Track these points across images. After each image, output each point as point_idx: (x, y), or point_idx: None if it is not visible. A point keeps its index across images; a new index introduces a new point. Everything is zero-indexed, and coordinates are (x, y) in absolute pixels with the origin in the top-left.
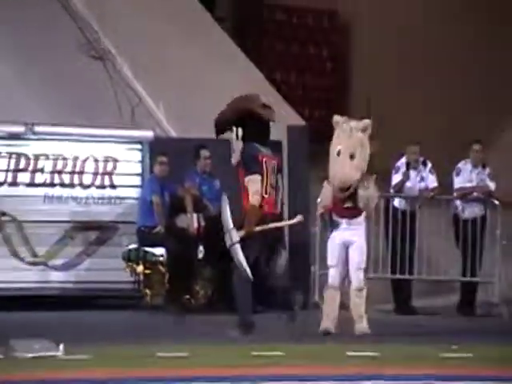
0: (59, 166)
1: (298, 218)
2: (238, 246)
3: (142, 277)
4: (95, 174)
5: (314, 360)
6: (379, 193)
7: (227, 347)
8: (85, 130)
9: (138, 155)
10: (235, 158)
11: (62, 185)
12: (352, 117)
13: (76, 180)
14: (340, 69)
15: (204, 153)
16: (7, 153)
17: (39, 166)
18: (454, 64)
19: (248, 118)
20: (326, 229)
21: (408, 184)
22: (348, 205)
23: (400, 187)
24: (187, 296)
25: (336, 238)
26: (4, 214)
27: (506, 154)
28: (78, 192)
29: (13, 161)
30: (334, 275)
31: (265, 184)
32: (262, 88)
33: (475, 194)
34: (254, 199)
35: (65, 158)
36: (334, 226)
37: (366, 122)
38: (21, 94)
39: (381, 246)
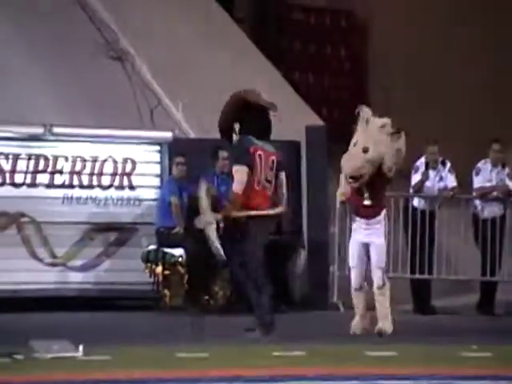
0: (78, 167)
1: (279, 209)
2: (212, 227)
3: (160, 278)
4: (114, 175)
5: (335, 360)
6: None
7: (247, 348)
8: (103, 131)
9: (156, 156)
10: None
11: (81, 186)
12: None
13: (95, 181)
14: (358, 69)
15: (222, 153)
16: (26, 154)
17: (58, 167)
18: (470, 64)
19: (245, 112)
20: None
21: (427, 184)
22: (367, 202)
23: (419, 187)
24: (206, 297)
25: (356, 239)
26: (23, 215)
27: None
28: (96, 193)
29: (32, 162)
30: (354, 276)
31: (255, 177)
32: (280, 88)
33: (495, 193)
34: (236, 187)
35: (84, 160)
36: (354, 219)
37: (385, 120)
38: (39, 95)
39: (400, 246)
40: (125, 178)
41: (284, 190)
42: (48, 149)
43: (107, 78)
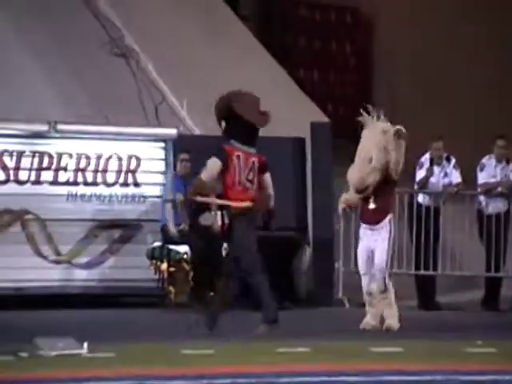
0: (82, 165)
1: (247, 204)
2: (170, 205)
3: (166, 275)
4: (119, 172)
5: (339, 356)
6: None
7: (252, 344)
8: (108, 128)
9: (161, 153)
10: None
11: (86, 183)
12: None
13: (99, 178)
14: (363, 65)
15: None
16: (30, 151)
17: (62, 164)
18: (476, 62)
19: (231, 117)
20: (349, 227)
21: (432, 180)
22: (372, 206)
23: (424, 183)
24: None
25: (363, 246)
26: (27, 212)
27: None
28: (101, 190)
29: (36, 159)
30: (365, 282)
31: (235, 176)
32: (285, 85)
33: (499, 189)
34: (203, 174)
35: (88, 157)
36: (361, 225)
37: (385, 125)
38: (43, 92)
39: (405, 242)
40: (129, 174)
41: (271, 190)
42: (52, 146)
43: (112, 75)
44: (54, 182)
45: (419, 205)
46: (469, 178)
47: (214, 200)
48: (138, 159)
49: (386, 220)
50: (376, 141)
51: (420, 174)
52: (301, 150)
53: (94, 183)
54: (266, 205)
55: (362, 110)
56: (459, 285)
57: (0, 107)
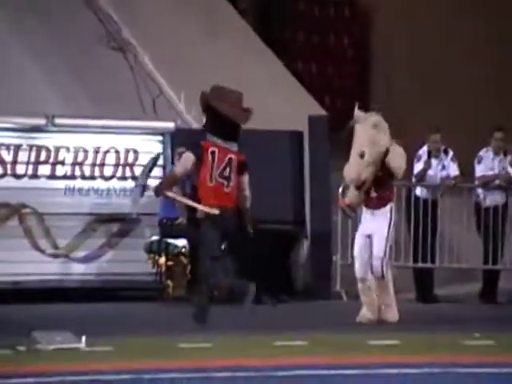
0: (80, 158)
1: (214, 210)
2: (138, 190)
3: (163, 268)
4: (116, 165)
5: (337, 349)
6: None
7: (250, 338)
8: (106, 121)
9: (159, 147)
10: None
11: (83, 177)
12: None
13: (97, 172)
14: (361, 58)
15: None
16: (28, 145)
17: (60, 158)
18: (474, 56)
19: (210, 112)
20: (347, 220)
21: (430, 172)
22: (374, 194)
23: (422, 176)
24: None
25: (361, 232)
26: (25, 206)
27: None
28: (99, 184)
29: (33, 153)
30: (357, 267)
31: (207, 172)
32: (283, 79)
33: (497, 181)
34: (175, 168)
35: (86, 150)
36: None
37: (375, 118)
38: (41, 86)
39: (403, 235)
40: (127, 168)
41: (247, 192)
42: (50, 139)
43: (109, 68)
44: (52, 176)
45: (417, 197)
46: (466, 170)
47: (182, 199)
48: (136, 152)
49: (388, 207)
50: (368, 135)
51: (418, 167)
52: (298, 143)
53: (92, 177)
54: (241, 205)
55: (355, 106)
56: (457, 277)
57: (0, 107)
